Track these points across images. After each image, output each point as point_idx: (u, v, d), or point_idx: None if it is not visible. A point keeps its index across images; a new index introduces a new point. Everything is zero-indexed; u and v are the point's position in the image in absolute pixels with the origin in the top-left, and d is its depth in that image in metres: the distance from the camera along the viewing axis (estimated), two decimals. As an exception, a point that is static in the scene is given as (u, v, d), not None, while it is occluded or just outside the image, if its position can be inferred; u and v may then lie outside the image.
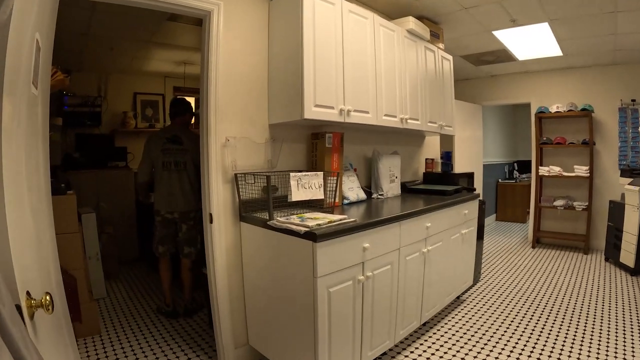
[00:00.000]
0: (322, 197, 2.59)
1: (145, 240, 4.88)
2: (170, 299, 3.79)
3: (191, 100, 5.64)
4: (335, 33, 2.79)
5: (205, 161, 2.64)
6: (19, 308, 0.95)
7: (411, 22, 3.57)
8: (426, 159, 4.60)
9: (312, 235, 2.13)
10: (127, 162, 5.83)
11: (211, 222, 2.65)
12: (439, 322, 3.51)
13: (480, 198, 4.03)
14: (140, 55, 5.25)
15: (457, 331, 3.34)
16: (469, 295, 4.14)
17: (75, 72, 5.46)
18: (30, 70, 1.36)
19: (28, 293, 1.05)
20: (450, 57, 4.30)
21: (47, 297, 1.07)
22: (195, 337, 3.30)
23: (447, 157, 4.47)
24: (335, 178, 2.71)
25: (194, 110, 4.03)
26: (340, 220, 2.34)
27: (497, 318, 3.59)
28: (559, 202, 6.09)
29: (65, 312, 1.88)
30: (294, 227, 2.22)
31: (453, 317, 3.61)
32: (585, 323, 3.46)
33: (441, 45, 4.14)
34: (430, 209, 3.07)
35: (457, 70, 4.75)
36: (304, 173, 2.52)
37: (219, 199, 2.66)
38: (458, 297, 3.97)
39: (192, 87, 6.24)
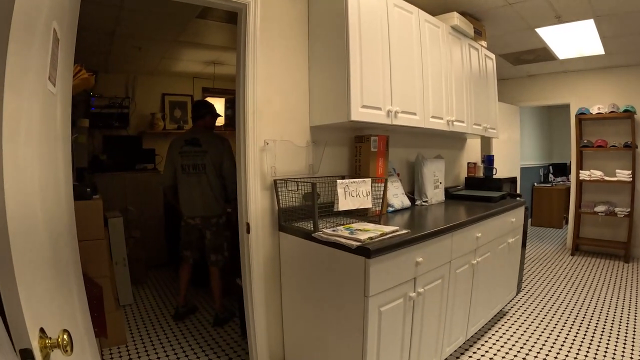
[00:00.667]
0: (370, 206, 2.33)
1: (174, 244, 4.68)
2: (184, 298, 3.70)
3: (220, 101, 5.53)
4: (382, 28, 2.54)
5: (242, 166, 2.41)
6: (28, 352, 0.80)
7: (455, 18, 3.29)
8: (468, 163, 4.30)
9: (365, 251, 1.87)
10: (156, 165, 5.64)
11: (248, 231, 2.42)
12: (482, 336, 3.22)
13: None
14: (169, 56, 5.06)
15: (501, 346, 3.06)
16: (512, 307, 3.84)
17: (103, 73, 5.34)
18: (46, 65, 1.19)
19: (42, 330, 0.88)
20: (493, 56, 4.01)
21: (65, 336, 0.89)
22: (225, 348, 3.09)
23: (489, 160, 4.15)
24: (381, 185, 2.44)
25: (217, 112, 3.84)
26: (393, 232, 2.07)
27: (542, 333, 3.29)
28: (600, 208, 5.71)
29: (92, 342, 1.68)
30: (343, 240, 1.96)
31: (497, 331, 3.31)
32: (626, 337, 3.19)
33: (484, 43, 3.86)
34: (481, 218, 2.80)
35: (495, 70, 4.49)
36: (351, 180, 2.25)
37: (256, 207, 2.43)
38: (501, 309, 3.67)
39: (221, 88, 6.05)
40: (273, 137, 2.48)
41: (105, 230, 3.66)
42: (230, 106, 5.77)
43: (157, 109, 5.92)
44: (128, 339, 3.27)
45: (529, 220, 7.92)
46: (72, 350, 0.91)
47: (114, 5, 3.41)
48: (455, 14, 3.31)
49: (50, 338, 0.88)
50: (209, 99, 5.58)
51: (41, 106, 1.17)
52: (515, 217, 3.40)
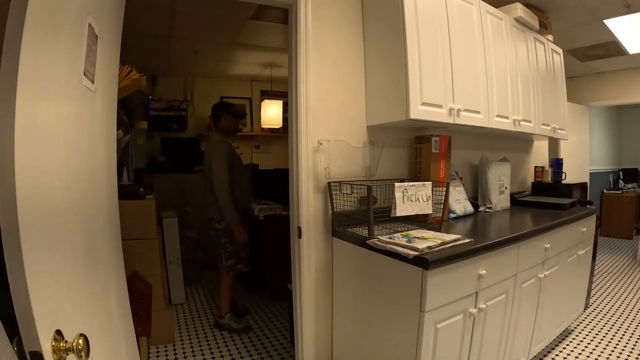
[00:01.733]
0: (430, 211, 2.11)
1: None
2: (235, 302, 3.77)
3: (277, 103, 5.47)
4: (441, 20, 2.33)
5: (295, 167, 2.27)
6: (37, 355, 0.75)
7: (519, 9, 3.00)
8: (535, 167, 3.96)
9: (423, 261, 1.66)
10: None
11: (299, 236, 2.27)
12: (544, 356, 2.91)
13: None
14: (225, 58, 5.05)
15: None
16: (578, 324, 3.46)
17: (161, 76, 5.41)
18: (81, 59, 1.13)
19: (59, 333, 0.83)
20: (561, 51, 3.67)
21: (80, 340, 0.84)
22: (272, 353, 3.00)
23: (558, 164, 3.82)
24: (442, 189, 2.22)
25: (233, 112, 3.65)
26: (454, 241, 1.85)
27: (610, 353, 2.93)
28: (678, 217, 5.17)
29: (132, 345, 1.61)
30: (399, 249, 1.76)
31: (562, 351, 2.97)
32: None
33: (550, 37, 3.53)
34: (550, 227, 2.51)
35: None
36: (410, 183, 2.03)
37: (309, 211, 2.27)
38: (567, 327, 3.33)
39: (279, 91, 6.00)
40: (327, 137, 2.32)
41: (160, 230, 3.67)
42: (287, 109, 5.70)
43: (216, 112, 5.95)
44: (176, 337, 3.24)
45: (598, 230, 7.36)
46: (87, 355, 0.85)
47: (166, 10, 3.40)
48: (519, 4, 3.03)
49: (66, 341, 0.83)
50: (267, 102, 5.58)
51: (73, 102, 1.10)
52: (586, 227, 3.07)
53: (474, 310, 1.92)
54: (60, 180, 0.99)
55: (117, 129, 2.77)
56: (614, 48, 4.68)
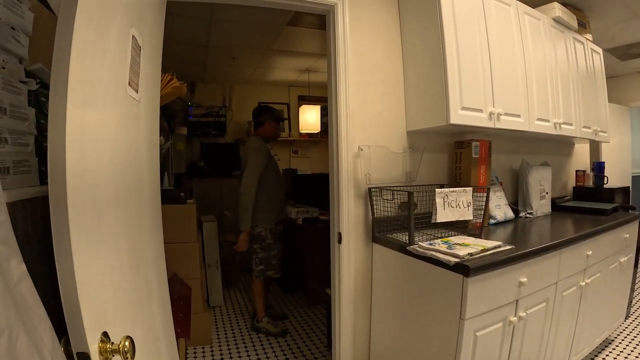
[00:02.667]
0: (470, 217, 2.05)
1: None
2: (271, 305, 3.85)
3: (315, 108, 5.47)
4: (479, 23, 2.27)
5: (335, 173, 2.26)
6: (84, 356, 0.77)
7: (557, 9, 2.89)
8: (576, 171, 3.81)
9: (464, 268, 1.62)
10: (252, 171, 5.71)
11: (339, 241, 2.25)
12: None
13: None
14: (263, 65, 5.08)
15: None
16: (619, 334, 3.29)
17: (200, 83, 5.50)
18: (126, 70, 1.14)
19: (105, 334, 0.84)
20: (600, 50, 3.52)
21: (127, 342, 0.85)
22: (308, 357, 2.98)
23: (600, 168, 3.66)
24: (483, 194, 2.15)
25: (276, 117, 3.62)
26: (496, 247, 1.79)
27: None
28: None
29: (171, 346, 1.63)
30: (440, 255, 1.72)
31: None
32: None
33: (589, 36, 3.39)
34: (592, 234, 2.40)
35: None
36: (450, 189, 1.99)
37: (349, 216, 2.25)
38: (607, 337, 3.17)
39: (316, 96, 6.01)
40: (367, 142, 2.29)
41: (199, 233, 3.71)
42: (326, 114, 5.71)
43: (254, 118, 6.01)
44: (214, 339, 3.27)
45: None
46: (132, 357, 0.86)
47: (204, 18, 3.45)
48: (556, 4, 2.92)
49: (112, 343, 0.84)
50: (305, 107, 5.59)
51: (119, 110, 1.12)
52: (628, 233, 2.92)
53: (514, 319, 1.86)
54: (107, 185, 1.00)
55: (159, 136, 2.84)
56: (655, 46, 4.45)
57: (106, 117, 1.00)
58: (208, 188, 5.14)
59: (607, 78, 5.39)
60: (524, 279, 1.86)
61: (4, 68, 0.94)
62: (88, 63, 0.86)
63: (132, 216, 1.23)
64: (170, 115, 4.51)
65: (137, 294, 1.21)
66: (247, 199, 3.21)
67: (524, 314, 1.92)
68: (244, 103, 5.86)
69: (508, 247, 1.83)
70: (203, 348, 3.11)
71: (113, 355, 0.84)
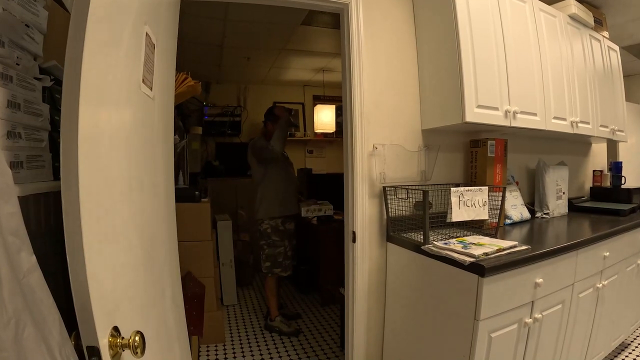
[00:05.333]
0: (486, 217, 2.01)
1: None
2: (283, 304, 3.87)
3: (330, 108, 5.50)
4: (494, 19, 2.23)
5: (350, 172, 2.24)
6: (94, 350, 0.77)
7: (573, 6, 2.84)
8: (594, 171, 3.73)
9: (479, 268, 1.59)
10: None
11: (354, 240, 2.23)
12: None
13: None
14: (277, 65, 5.07)
15: None
16: (635, 338, 3.21)
17: (215, 83, 5.53)
18: (140, 67, 1.14)
19: (116, 329, 0.85)
20: (617, 48, 3.45)
21: (137, 338, 0.85)
22: (321, 357, 2.96)
23: (617, 168, 3.58)
24: (498, 194, 2.12)
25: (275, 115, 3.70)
26: (511, 247, 1.76)
27: None
28: None
29: (184, 342, 1.64)
30: (455, 255, 1.69)
31: None
32: None
33: (605, 34, 3.32)
34: (610, 234, 2.35)
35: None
36: (466, 188, 1.96)
37: (364, 216, 2.23)
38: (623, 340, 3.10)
39: (331, 96, 6.00)
40: (382, 141, 2.27)
41: (214, 232, 3.72)
42: (341, 113, 5.69)
43: (269, 117, 6.02)
44: (227, 338, 3.28)
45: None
46: (142, 352, 0.86)
47: (218, 18, 3.46)
48: (572, 1, 2.86)
49: (122, 338, 0.85)
50: (320, 106, 5.59)
51: (133, 108, 1.12)
52: (647, 234, 2.85)
53: (529, 320, 1.82)
54: (122, 182, 1.00)
55: (174, 134, 2.86)
56: (674, 43, 4.34)
57: (120, 114, 1.00)
58: (223, 187, 5.15)
59: (624, 77, 5.29)
60: (539, 280, 1.82)
61: (18, 65, 0.94)
62: (101, 59, 0.85)
63: (146, 214, 1.23)
64: (186, 114, 4.54)
65: (149, 290, 1.20)
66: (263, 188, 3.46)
67: (539, 315, 1.88)
68: (258, 103, 5.85)
69: (524, 247, 1.79)
70: (216, 346, 3.12)
71: (123, 350, 0.84)
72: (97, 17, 0.82)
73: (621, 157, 4.61)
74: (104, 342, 0.79)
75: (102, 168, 0.87)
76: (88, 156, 0.79)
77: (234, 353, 3.01)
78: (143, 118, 1.22)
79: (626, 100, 4.77)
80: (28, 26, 0.99)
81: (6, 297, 0.55)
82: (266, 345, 3.15)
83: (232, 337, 3.30)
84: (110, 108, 0.93)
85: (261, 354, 2.99)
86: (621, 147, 4.66)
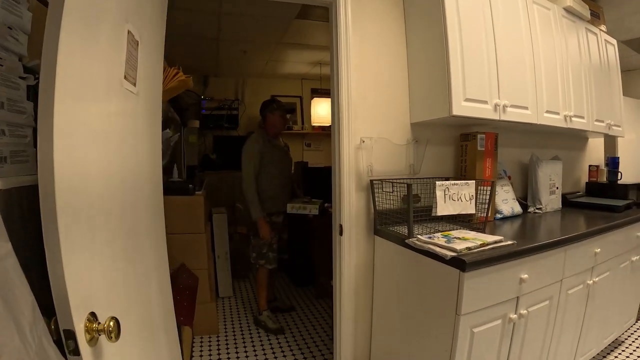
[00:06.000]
0: (473, 211, 2.05)
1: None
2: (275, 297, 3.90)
3: (327, 101, 5.48)
4: (484, 12, 2.24)
5: (337, 165, 2.28)
6: (70, 334, 0.82)
7: (568, -1, 2.86)
8: (589, 166, 3.75)
9: (460, 263, 1.62)
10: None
11: (341, 233, 2.28)
12: None
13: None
14: (274, 58, 5.10)
15: None
16: (629, 336, 3.23)
17: (213, 77, 5.56)
18: (122, 64, 1.19)
19: (93, 315, 0.90)
20: (615, 41, 3.44)
21: (111, 323, 0.91)
22: (312, 349, 3.02)
23: (614, 163, 3.59)
24: (488, 188, 2.15)
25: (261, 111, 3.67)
26: (496, 242, 1.79)
27: None
28: None
29: (172, 330, 1.69)
30: (437, 249, 1.72)
31: None
32: None
33: (603, 27, 3.32)
34: (600, 231, 2.37)
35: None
36: (452, 182, 1.99)
37: (350, 209, 2.27)
38: (616, 338, 3.11)
39: (329, 89, 6.01)
40: (370, 134, 2.30)
41: (209, 225, 3.77)
42: (330, 107, 5.73)
43: (266, 110, 6.05)
44: (220, 329, 3.34)
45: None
46: (117, 337, 0.91)
47: (213, 12, 3.49)
48: (567, -8, 2.87)
49: (99, 323, 0.90)
50: (317, 100, 5.64)
51: (113, 103, 1.16)
52: (641, 231, 2.87)
53: (514, 316, 1.85)
54: (100, 174, 1.04)
55: (167, 128, 2.90)
56: (673, 37, 4.33)
57: (98, 110, 1.04)
58: (220, 180, 5.19)
59: (623, 71, 5.26)
60: (525, 276, 1.84)
61: (1, 65, 0.98)
62: (77, 56, 0.89)
63: (127, 207, 1.27)
64: (183, 108, 4.57)
65: (130, 280, 1.25)
66: (248, 190, 3.32)
67: (525, 311, 1.90)
68: (256, 96, 5.86)
69: (509, 243, 1.82)
70: (209, 337, 3.18)
71: (99, 335, 0.89)
72: (74, 14, 0.86)
73: (620, 153, 4.61)
74: (80, 327, 0.84)
75: (78, 159, 0.92)
76: (64, 147, 0.83)
77: (227, 344, 3.07)
78: (125, 112, 1.26)
79: (626, 95, 4.76)
80: (11, 28, 1.03)
81: None
82: (259, 337, 3.21)
83: (226, 328, 3.36)
84: (87, 104, 0.97)
85: (254, 346, 3.05)
86: (620, 142, 4.66)
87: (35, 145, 1.12)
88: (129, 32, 1.23)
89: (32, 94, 1.15)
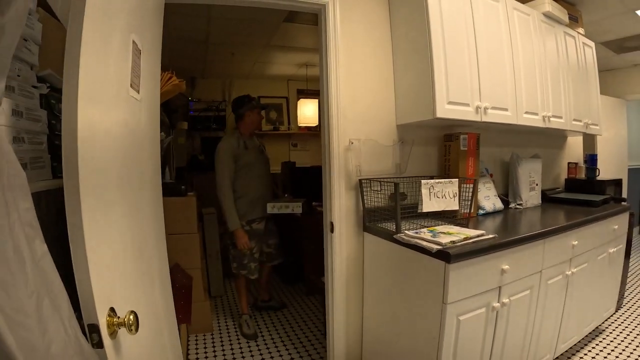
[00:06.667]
0: (456, 208, 2.19)
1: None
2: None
3: (313, 102, 5.56)
4: (466, 20, 2.37)
5: (327, 165, 2.39)
6: (94, 327, 0.89)
7: (547, 4, 2.98)
8: (569, 164, 3.91)
9: (445, 255, 1.74)
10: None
11: (332, 230, 2.40)
12: (573, 355, 2.87)
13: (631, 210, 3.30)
14: (262, 60, 5.18)
15: None
16: (610, 324, 3.38)
17: (200, 78, 5.61)
18: (128, 72, 1.26)
19: (112, 310, 0.97)
20: (593, 44, 3.60)
21: (131, 316, 0.97)
22: (305, 344, 3.12)
23: (592, 161, 3.75)
24: (470, 185, 2.28)
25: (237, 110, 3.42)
26: (478, 236, 1.92)
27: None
28: None
29: (172, 326, 1.76)
30: (424, 243, 1.85)
31: (590, 350, 2.92)
32: None
33: (581, 30, 3.47)
34: (578, 224, 2.51)
35: (596, 60, 4.02)
36: (436, 180, 2.13)
37: (340, 207, 2.39)
38: (597, 327, 3.27)
39: (315, 89, 6.08)
40: (358, 136, 2.42)
41: (200, 225, 3.83)
42: (320, 109, 5.80)
43: (251, 112, 6.09)
44: (214, 327, 3.42)
45: (638, 229, 7.04)
46: (137, 329, 0.98)
47: (202, 16, 3.56)
48: (547, -1, 3.02)
49: (118, 317, 0.96)
50: (303, 100, 5.67)
51: (123, 109, 1.23)
52: (618, 224, 3.01)
53: (497, 305, 1.97)
54: (114, 176, 1.13)
55: (160, 131, 2.96)
56: (650, 39, 4.51)
57: (111, 117, 1.12)
58: (208, 181, 5.20)
59: (603, 71, 5.44)
60: (505, 267, 1.97)
61: (19, 76, 1.06)
62: (94, 67, 0.97)
63: (136, 208, 1.35)
64: (172, 110, 4.63)
65: (140, 278, 1.33)
66: (224, 200, 3.18)
67: (507, 300, 2.03)
68: (243, 97, 5.95)
69: (490, 236, 1.95)
70: (204, 335, 3.26)
71: (119, 328, 0.96)
72: (91, 30, 0.93)
73: (600, 149, 4.78)
74: (102, 321, 0.91)
75: (97, 166, 1.00)
76: (85, 156, 0.91)
77: (221, 341, 3.16)
78: (131, 119, 1.34)
79: (608, 93, 4.91)
80: (26, 40, 1.10)
81: (29, 274, 0.69)
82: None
83: (219, 326, 3.44)
84: (103, 112, 1.05)
85: (248, 343, 3.13)
86: (600, 140, 4.83)
87: (49, 152, 1.19)
88: (133, 42, 1.31)
89: (45, 102, 1.22)
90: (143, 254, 1.40)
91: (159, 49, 1.83)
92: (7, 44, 0.67)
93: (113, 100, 1.14)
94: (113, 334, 0.95)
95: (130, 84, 1.29)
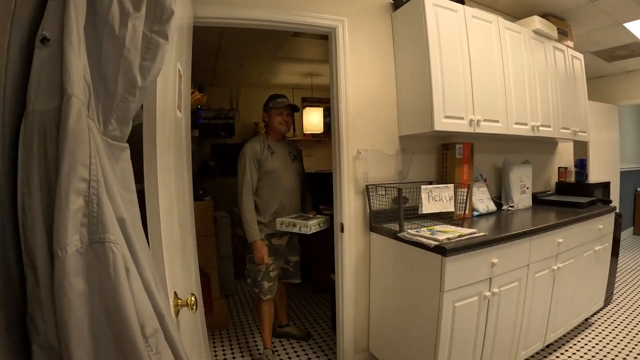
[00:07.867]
0: (452, 209, 2.48)
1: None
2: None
3: (318, 110, 5.74)
4: (461, 40, 2.65)
5: (338, 173, 2.68)
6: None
7: (537, 22, 3.25)
8: (559, 168, 4.18)
9: (442, 250, 2.03)
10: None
11: (342, 231, 2.68)
12: (563, 344, 3.11)
13: (617, 211, 3.56)
14: (269, 70, 5.41)
15: (582, 356, 2.93)
16: (599, 318, 3.62)
17: (209, 87, 5.83)
18: (175, 97, 1.50)
19: (175, 294, 1.17)
20: (581, 56, 3.86)
21: (192, 298, 1.19)
22: (316, 339, 3.33)
23: (582, 165, 4.01)
24: (465, 190, 2.56)
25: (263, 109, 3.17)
26: (470, 234, 2.20)
27: (633, 348, 3.05)
28: None
29: (202, 311, 2.01)
30: (424, 240, 2.14)
31: (579, 341, 3.17)
32: None
33: (570, 43, 3.73)
34: (563, 224, 2.77)
35: (589, 68, 4.23)
36: (434, 185, 2.43)
37: (350, 210, 2.68)
38: (586, 319, 3.50)
39: (320, 97, 6.30)
40: (365, 146, 2.70)
41: (214, 228, 4.06)
42: (328, 114, 5.94)
43: (259, 119, 6.19)
44: (229, 323, 3.65)
45: (632, 229, 7.28)
46: (196, 309, 1.21)
47: (214, 32, 3.80)
48: (537, 17, 3.27)
49: (180, 299, 1.19)
50: (308, 109, 5.79)
51: (174, 129, 1.49)
52: (603, 224, 3.26)
53: (488, 294, 2.24)
54: (173, 187, 1.39)
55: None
56: (638, 48, 4.73)
57: (169, 137, 1.37)
58: (218, 186, 5.44)
59: (596, 78, 5.67)
60: (495, 260, 2.24)
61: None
62: (162, 100, 1.23)
63: (181, 214, 1.60)
64: (183, 119, 4.82)
65: (185, 271, 1.58)
66: (243, 208, 2.85)
67: (497, 290, 2.30)
68: (250, 105, 6.17)
69: (481, 234, 2.23)
70: (220, 331, 3.50)
71: (181, 308, 1.19)
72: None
73: (592, 153, 5.01)
74: (171, 303, 1.13)
75: (166, 178, 1.25)
76: (160, 171, 1.16)
77: (237, 336, 3.40)
78: (177, 137, 1.60)
79: (599, 99, 5.11)
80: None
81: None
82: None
83: (234, 322, 3.69)
84: (167, 133, 1.31)
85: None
86: (592, 144, 5.04)
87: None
88: (178, 69, 1.56)
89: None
90: (185, 253, 1.65)
91: (190, 69, 2.09)
92: (141, 103, 0.87)
93: (171, 123, 1.39)
94: (178, 313, 1.18)
95: (177, 106, 1.55)
